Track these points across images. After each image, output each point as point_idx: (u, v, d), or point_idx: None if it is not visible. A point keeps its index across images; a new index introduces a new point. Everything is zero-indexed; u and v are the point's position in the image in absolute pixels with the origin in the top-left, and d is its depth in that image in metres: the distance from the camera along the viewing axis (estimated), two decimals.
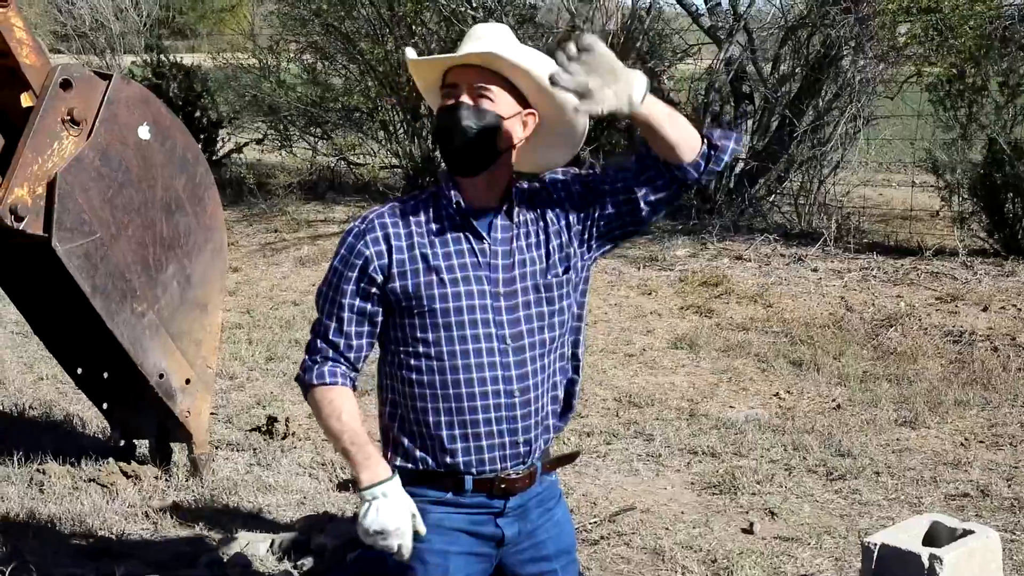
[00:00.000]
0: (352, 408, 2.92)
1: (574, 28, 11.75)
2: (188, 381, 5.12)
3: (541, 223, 2.97)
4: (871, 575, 3.85)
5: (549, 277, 2.95)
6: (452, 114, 2.81)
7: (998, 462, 5.52)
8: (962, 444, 5.78)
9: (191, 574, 4.31)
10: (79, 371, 5.49)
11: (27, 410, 6.36)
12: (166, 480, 5.25)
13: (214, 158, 14.21)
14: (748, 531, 4.81)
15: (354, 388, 2.95)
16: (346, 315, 2.89)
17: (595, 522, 4.87)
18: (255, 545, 4.50)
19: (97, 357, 5.32)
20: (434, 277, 2.84)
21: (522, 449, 2.95)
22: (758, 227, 10.65)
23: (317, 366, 2.93)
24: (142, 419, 5.36)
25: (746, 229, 10.56)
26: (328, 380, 2.91)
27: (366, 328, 2.91)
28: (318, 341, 2.93)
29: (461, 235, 2.89)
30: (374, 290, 2.86)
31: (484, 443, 2.91)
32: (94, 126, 4.73)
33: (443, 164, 3.01)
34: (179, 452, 5.42)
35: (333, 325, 2.90)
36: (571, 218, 2.97)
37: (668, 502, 5.14)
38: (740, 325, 8.01)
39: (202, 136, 14.14)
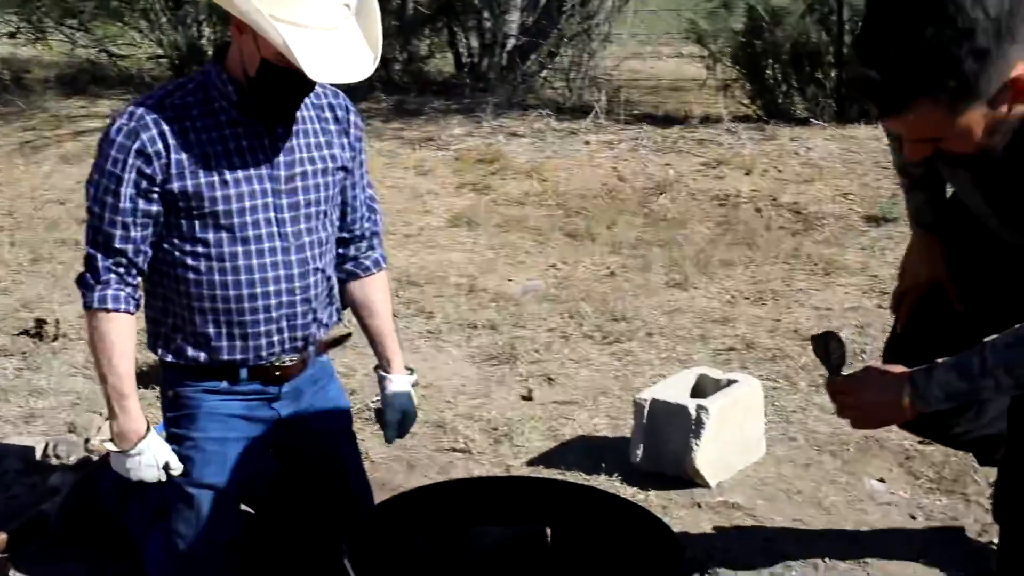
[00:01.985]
0: (125, 347, 2.82)
1: None
2: None
3: (321, 125, 2.93)
4: (643, 429, 4.01)
5: (327, 176, 2.92)
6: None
7: (761, 316, 5.78)
8: (728, 302, 6.03)
9: None
10: None
11: None
12: None
13: None
14: (527, 398, 4.93)
15: (137, 305, 2.87)
16: (130, 219, 2.75)
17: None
18: (29, 449, 4.39)
19: None
20: (216, 177, 2.76)
21: (300, 344, 2.96)
22: (531, 103, 10.72)
23: (100, 288, 2.79)
24: None
25: (519, 106, 10.60)
26: (110, 306, 2.79)
27: (151, 230, 2.80)
28: (99, 256, 2.78)
29: (240, 130, 2.81)
30: (155, 189, 2.75)
31: (263, 341, 2.90)
32: None
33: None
34: None
35: (118, 233, 2.76)
36: (344, 147, 2.97)
37: (450, 376, 5.22)
38: (516, 200, 8.10)
39: None
